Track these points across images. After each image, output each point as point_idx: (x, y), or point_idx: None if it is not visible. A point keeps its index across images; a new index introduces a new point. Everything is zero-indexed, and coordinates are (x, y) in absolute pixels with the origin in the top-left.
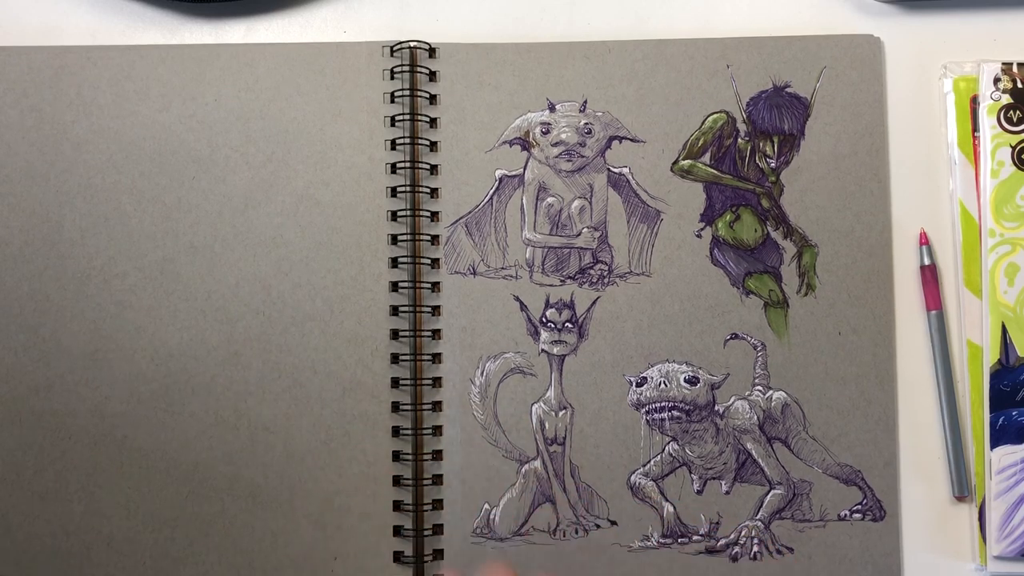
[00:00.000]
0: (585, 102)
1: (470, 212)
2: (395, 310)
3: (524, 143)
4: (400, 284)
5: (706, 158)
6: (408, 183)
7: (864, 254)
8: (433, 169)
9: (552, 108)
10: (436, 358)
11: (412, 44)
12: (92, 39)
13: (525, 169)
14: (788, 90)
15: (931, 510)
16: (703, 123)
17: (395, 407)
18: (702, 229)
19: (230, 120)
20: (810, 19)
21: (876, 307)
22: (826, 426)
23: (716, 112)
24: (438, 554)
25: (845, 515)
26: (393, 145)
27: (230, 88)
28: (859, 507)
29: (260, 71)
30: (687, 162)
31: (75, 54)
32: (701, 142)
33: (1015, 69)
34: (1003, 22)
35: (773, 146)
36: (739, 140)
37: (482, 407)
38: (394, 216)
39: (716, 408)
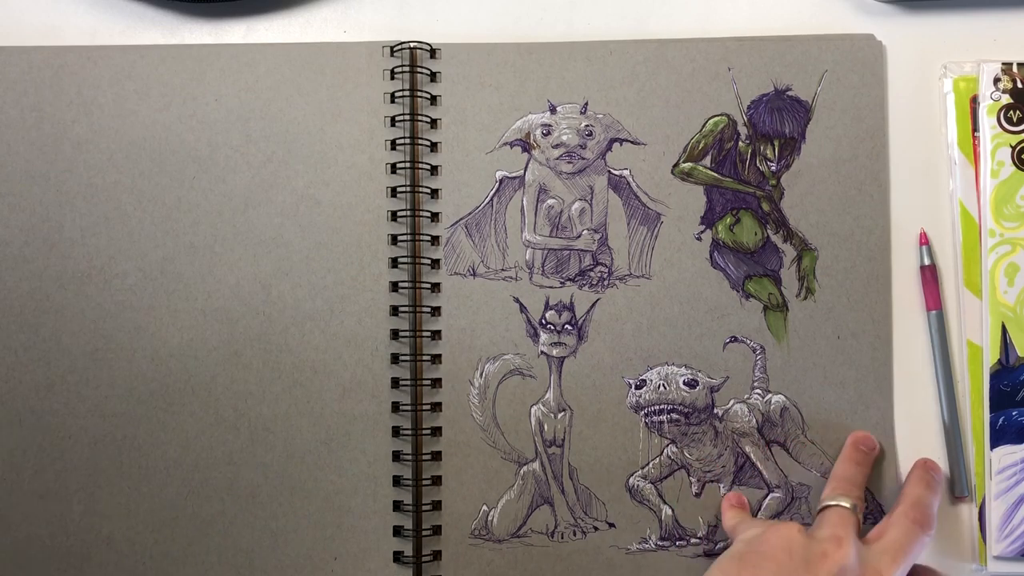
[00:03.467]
0: (586, 104)
1: (470, 213)
2: (395, 310)
3: (525, 145)
4: (400, 284)
5: (707, 161)
6: (408, 183)
7: (863, 258)
8: (434, 170)
9: (553, 110)
10: (436, 359)
11: (412, 44)
12: (92, 39)
13: (525, 171)
14: (789, 93)
15: None
16: (704, 126)
17: (395, 407)
18: (702, 232)
19: (230, 120)
20: (810, 19)
21: (875, 311)
22: (824, 430)
23: (717, 115)
24: (437, 555)
25: None
26: (393, 145)
27: (230, 88)
28: None
29: (260, 71)
30: (688, 165)
31: (75, 54)
32: (702, 145)
33: (1015, 69)
34: (1003, 22)
35: (774, 149)
36: (740, 143)
37: (481, 408)
38: (394, 216)
39: (715, 411)
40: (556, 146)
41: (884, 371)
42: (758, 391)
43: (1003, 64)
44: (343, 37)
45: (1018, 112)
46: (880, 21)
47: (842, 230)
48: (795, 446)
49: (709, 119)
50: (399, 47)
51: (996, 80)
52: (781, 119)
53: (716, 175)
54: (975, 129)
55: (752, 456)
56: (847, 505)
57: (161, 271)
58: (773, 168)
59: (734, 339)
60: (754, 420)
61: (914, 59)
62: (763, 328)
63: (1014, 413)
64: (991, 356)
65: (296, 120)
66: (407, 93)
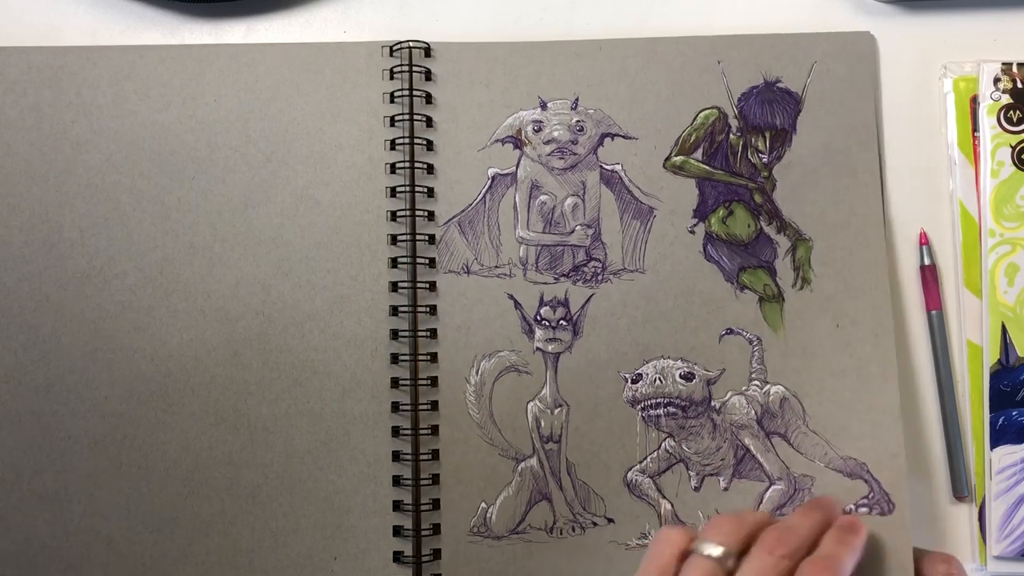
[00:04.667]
0: (577, 99)
1: (463, 211)
2: (395, 310)
3: (516, 141)
4: (400, 284)
5: (698, 154)
6: (407, 183)
7: (858, 246)
8: (430, 168)
9: (544, 106)
10: (432, 357)
11: (411, 44)
12: (92, 39)
13: (517, 167)
14: (779, 85)
15: (931, 510)
16: (695, 119)
17: (395, 407)
18: (695, 225)
19: (230, 120)
20: (809, 18)
21: (873, 298)
22: (827, 419)
23: (708, 108)
24: (437, 553)
25: (850, 510)
26: (392, 145)
27: (230, 88)
28: (865, 501)
29: (260, 71)
30: (679, 158)
31: (75, 54)
32: (693, 138)
33: (1015, 69)
34: (1003, 22)
35: (765, 141)
36: (731, 136)
37: (478, 406)
38: (394, 216)
39: (712, 404)
40: (547, 142)
41: (887, 357)
42: (756, 382)
43: (1003, 64)
44: (343, 37)
45: (1018, 112)
46: (880, 21)
47: (836, 219)
48: (797, 437)
49: (700, 112)
50: (398, 47)
51: (996, 80)
52: (772, 111)
53: (708, 168)
54: (975, 129)
55: (752, 448)
56: (713, 553)
57: (161, 271)
58: (765, 160)
59: (730, 331)
60: (753, 412)
61: (914, 59)
62: (759, 319)
63: (1014, 413)
64: (991, 356)
65: (296, 120)
66: (406, 93)
